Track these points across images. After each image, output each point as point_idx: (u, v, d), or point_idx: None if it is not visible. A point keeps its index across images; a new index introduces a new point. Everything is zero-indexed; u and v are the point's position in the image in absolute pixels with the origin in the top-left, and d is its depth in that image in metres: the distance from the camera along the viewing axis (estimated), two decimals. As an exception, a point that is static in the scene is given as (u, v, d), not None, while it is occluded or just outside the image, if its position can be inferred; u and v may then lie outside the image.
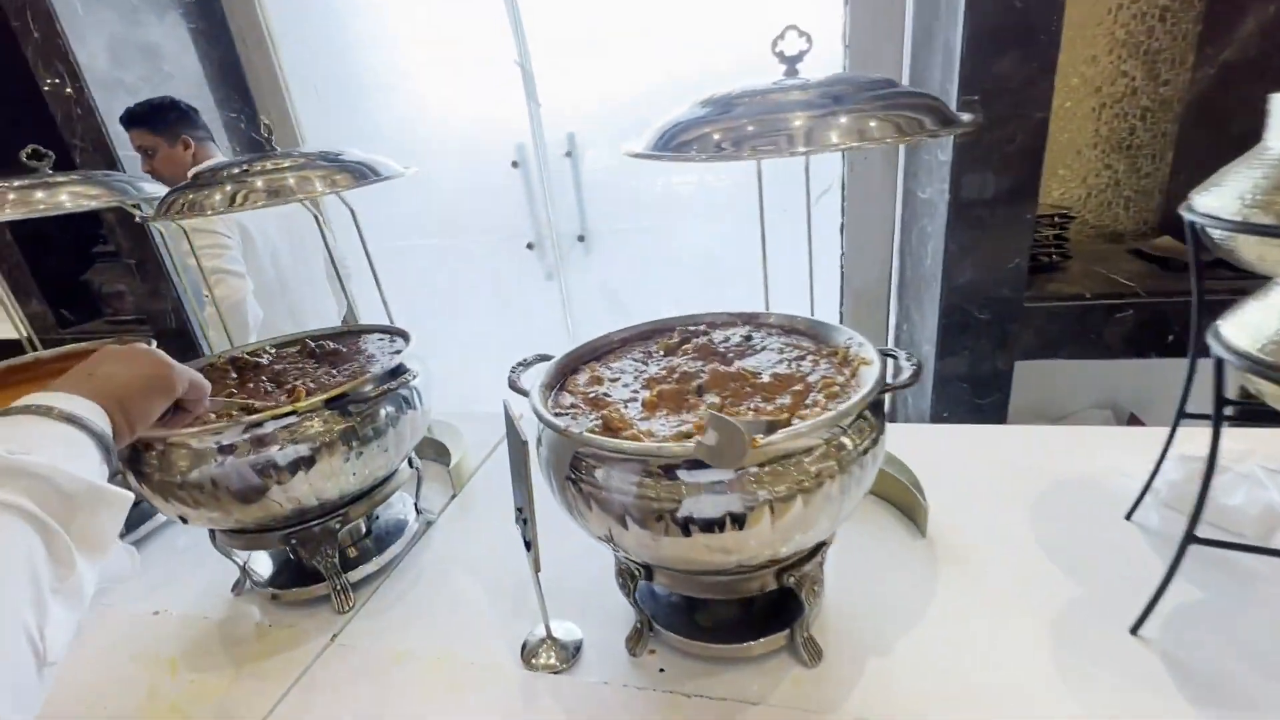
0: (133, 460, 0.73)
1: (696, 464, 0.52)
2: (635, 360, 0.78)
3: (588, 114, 2.21)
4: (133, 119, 1.82)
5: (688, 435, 0.57)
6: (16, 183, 1.03)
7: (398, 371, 0.83)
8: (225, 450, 0.71)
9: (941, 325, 1.62)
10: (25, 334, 1.51)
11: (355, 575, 0.87)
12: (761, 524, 0.54)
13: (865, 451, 0.58)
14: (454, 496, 1.09)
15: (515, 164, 2.30)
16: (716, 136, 0.63)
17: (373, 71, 2.37)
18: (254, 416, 0.71)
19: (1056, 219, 1.63)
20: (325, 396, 0.74)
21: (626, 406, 0.65)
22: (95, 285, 2.40)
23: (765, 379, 0.65)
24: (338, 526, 0.82)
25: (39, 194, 1.03)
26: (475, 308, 2.68)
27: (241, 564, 0.89)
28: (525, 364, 0.75)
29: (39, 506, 0.42)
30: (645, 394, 0.67)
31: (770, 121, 0.60)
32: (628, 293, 2.47)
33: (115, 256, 2.29)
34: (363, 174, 0.92)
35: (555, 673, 0.71)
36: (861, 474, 0.58)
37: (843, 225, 2.14)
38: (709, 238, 2.35)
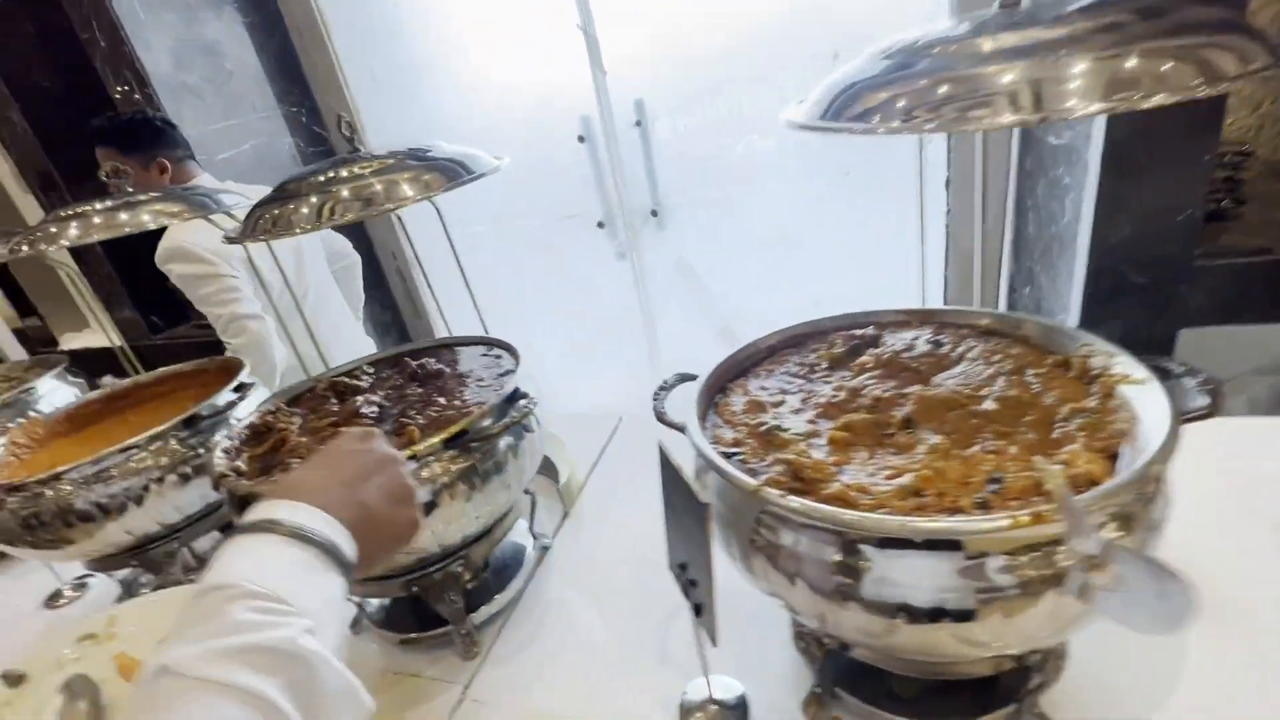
0: (242, 510, 0.67)
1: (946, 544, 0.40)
2: (794, 376, 0.65)
3: (657, 78, 2.05)
4: (99, 136, 1.59)
5: (916, 492, 0.45)
6: (99, 205, 0.98)
7: (514, 397, 0.73)
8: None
9: (1087, 291, 1.41)
10: (119, 343, 1.51)
11: (478, 616, 0.80)
12: (1037, 608, 0.41)
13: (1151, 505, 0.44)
14: (566, 516, 1.01)
15: (581, 138, 2.17)
16: (904, 103, 0.48)
17: (428, 52, 2.26)
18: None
19: (1229, 157, 1.38)
20: (443, 437, 0.65)
21: (809, 444, 0.53)
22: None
23: (989, 405, 0.52)
24: (460, 570, 0.74)
25: (123, 215, 0.98)
26: (543, 295, 2.59)
27: (358, 600, 0.84)
28: (667, 387, 0.64)
29: (292, 705, 0.34)
30: (828, 426, 0.54)
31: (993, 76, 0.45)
32: (704, 268, 2.33)
33: (197, 262, 2.31)
34: (455, 173, 0.82)
35: (723, 744, 0.62)
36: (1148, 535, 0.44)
37: (949, 180, 1.91)
38: (789, 204, 2.17)
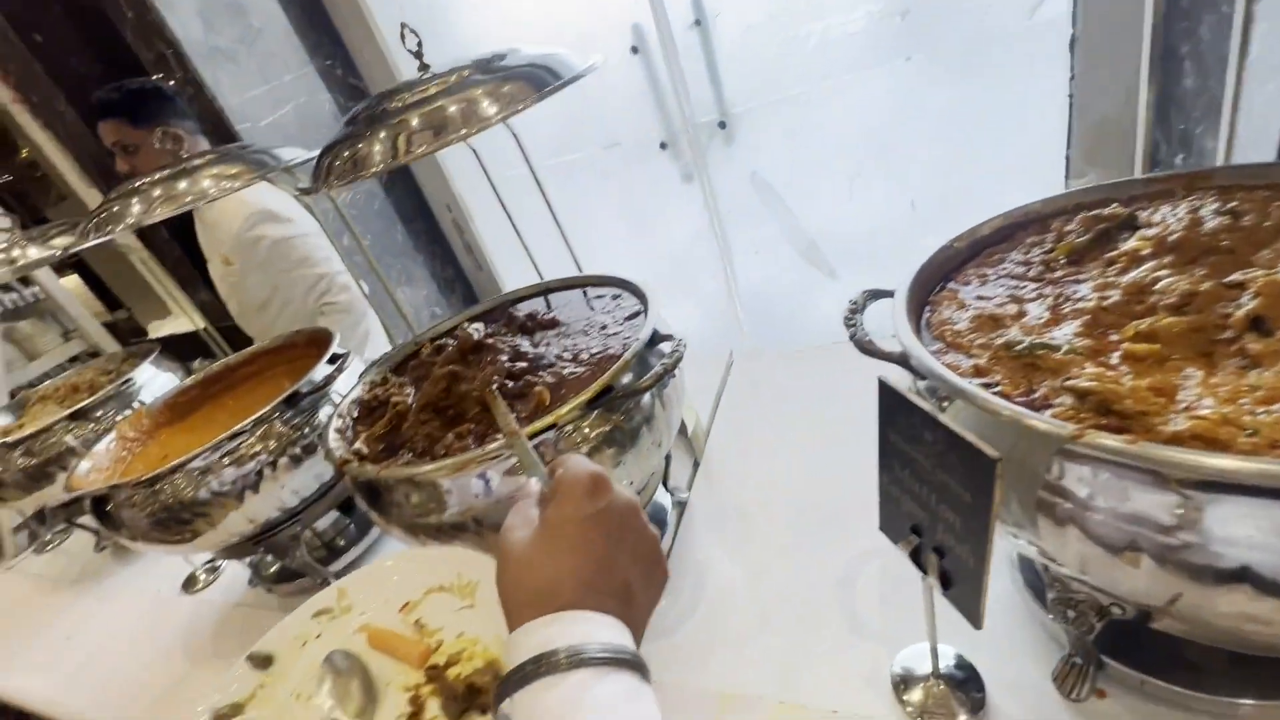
0: (371, 496, 0.60)
1: None
2: (1021, 278, 0.50)
3: (714, -36, 1.80)
4: (106, 109, 1.49)
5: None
6: (156, 176, 0.90)
7: (654, 341, 0.62)
8: (484, 480, 0.54)
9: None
10: (202, 325, 1.48)
11: (629, 586, 0.72)
12: None
13: None
14: (697, 466, 0.91)
15: (634, 49, 1.96)
16: None
17: (458, -25, 2.07)
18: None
19: None
20: (585, 398, 0.54)
21: (1100, 366, 0.39)
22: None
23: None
24: (610, 540, 0.65)
25: (182, 184, 0.90)
26: (604, 230, 2.44)
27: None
28: (859, 308, 0.51)
29: None
30: (1113, 339, 0.40)
31: None
32: (781, 181, 2.11)
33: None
34: (540, 80, 0.68)
35: (960, 727, 0.52)
36: None
37: (1074, 38, 1.62)
38: (875, 96, 1.91)
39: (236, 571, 1.06)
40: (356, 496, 0.62)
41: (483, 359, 0.65)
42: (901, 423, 0.42)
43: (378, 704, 0.59)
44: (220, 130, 1.87)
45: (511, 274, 2.73)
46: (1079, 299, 0.45)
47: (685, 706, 0.61)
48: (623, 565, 0.38)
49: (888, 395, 0.42)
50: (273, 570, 0.99)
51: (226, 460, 0.78)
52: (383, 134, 0.67)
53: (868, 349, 0.47)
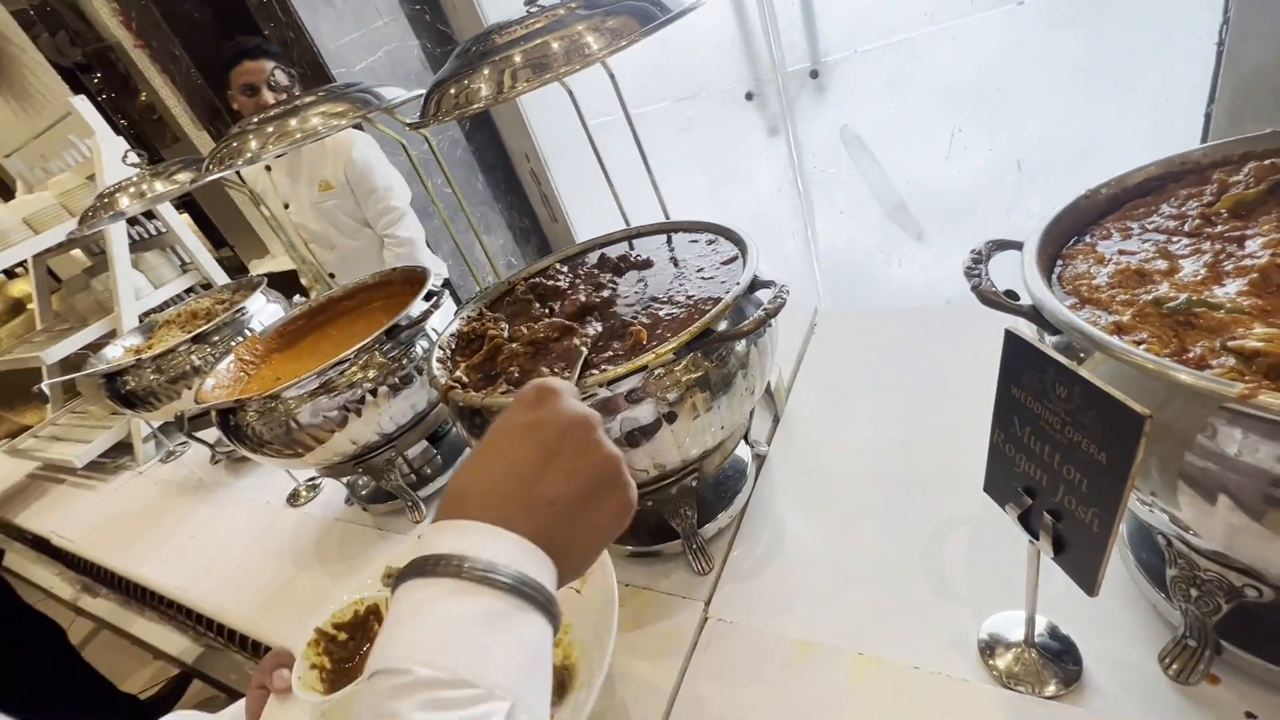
0: (471, 421, 0.62)
1: None
2: (1174, 233, 0.46)
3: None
4: (250, 52, 1.63)
5: None
6: (271, 114, 0.95)
7: (754, 287, 0.60)
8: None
9: None
10: (310, 258, 1.56)
11: (707, 531, 0.73)
12: None
13: None
14: (777, 420, 0.90)
15: (726, -8, 1.87)
16: None
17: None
18: (602, 377, 0.54)
19: None
20: (682, 340, 0.54)
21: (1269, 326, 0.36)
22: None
23: None
24: (694, 484, 0.67)
25: (292, 122, 0.94)
26: (681, 186, 2.39)
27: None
28: (981, 257, 0.48)
29: None
30: (1288, 298, 0.36)
31: None
32: (874, 136, 2.00)
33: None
34: (647, 14, 0.66)
35: (1051, 697, 0.51)
36: None
37: (1232, -20, 1.42)
38: (983, 47, 1.75)
39: (334, 490, 1.14)
40: (457, 422, 0.65)
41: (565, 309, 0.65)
42: (1029, 377, 0.39)
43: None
44: (317, 74, 1.94)
45: (588, 227, 2.74)
46: (1245, 255, 0.41)
47: (763, 650, 0.62)
48: (553, 481, 0.35)
49: (1015, 347, 0.40)
50: (366, 491, 1.07)
51: (333, 385, 0.84)
52: (486, 70, 0.67)
53: (992, 300, 0.45)
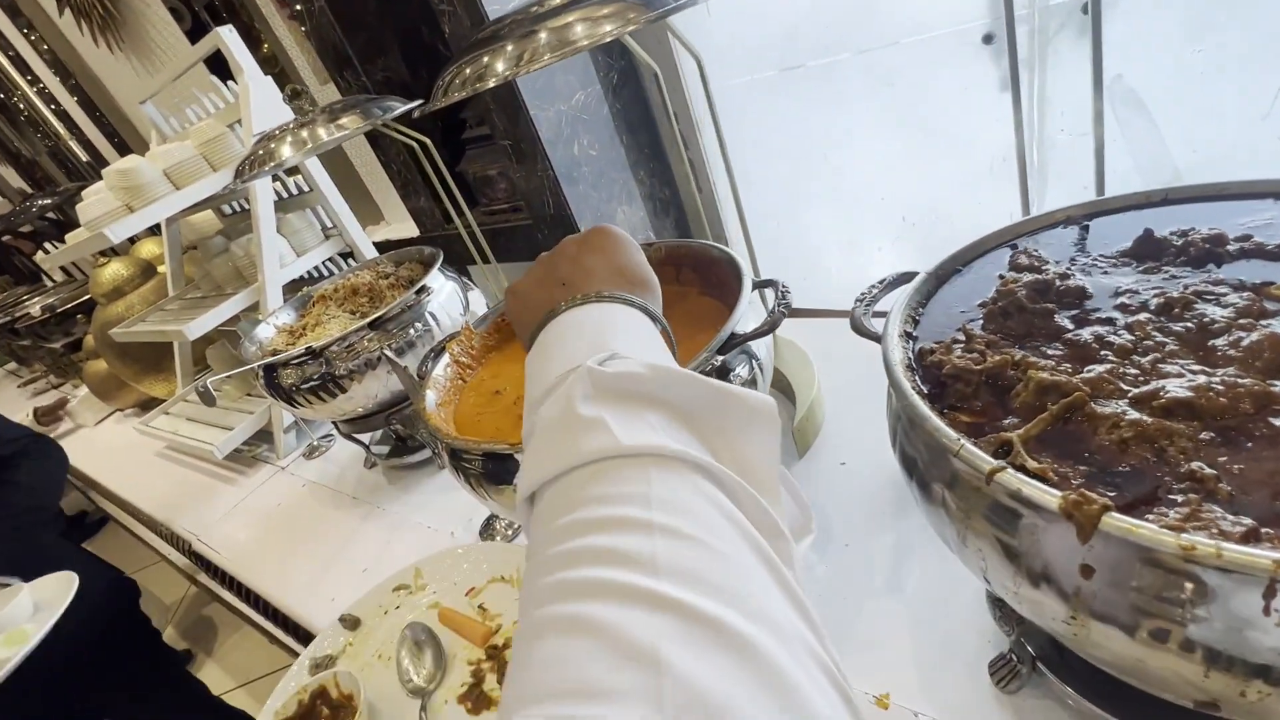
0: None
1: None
2: None
3: None
4: None
5: None
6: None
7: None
8: None
9: None
10: (472, 227, 1.30)
11: None
12: None
13: None
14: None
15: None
16: None
17: None
18: None
19: None
20: None
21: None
22: (468, 174, 2.31)
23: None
24: None
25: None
26: (868, 150, 1.98)
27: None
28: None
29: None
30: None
31: None
32: (1158, 92, 1.56)
33: (488, 140, 2.13)
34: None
35: None
36: None
37: None
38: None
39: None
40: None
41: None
42: None
43: (446, 672, 0.70)
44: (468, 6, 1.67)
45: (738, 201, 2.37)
46: None
47: None
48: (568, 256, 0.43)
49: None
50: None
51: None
52: (509, 47, 0.44)
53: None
